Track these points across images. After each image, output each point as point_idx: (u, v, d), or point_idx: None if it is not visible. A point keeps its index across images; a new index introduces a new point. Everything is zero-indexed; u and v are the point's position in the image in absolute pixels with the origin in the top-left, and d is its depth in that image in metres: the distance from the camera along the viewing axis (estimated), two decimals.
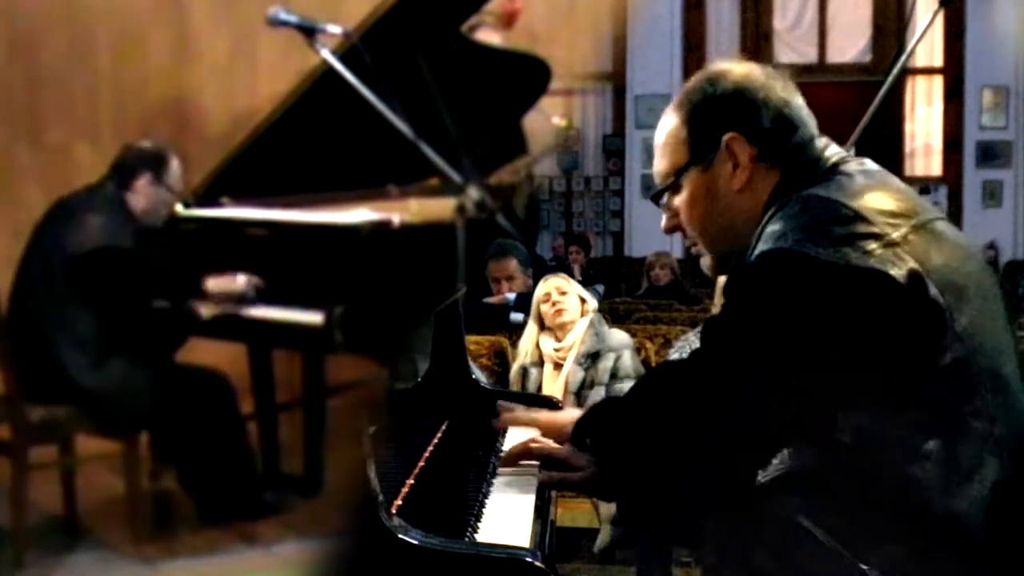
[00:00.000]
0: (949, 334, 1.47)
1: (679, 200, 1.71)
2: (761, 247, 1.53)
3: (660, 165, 1.73)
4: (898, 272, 1.45)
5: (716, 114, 1.65)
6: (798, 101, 1.67)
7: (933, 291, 1.46)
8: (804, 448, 1.50)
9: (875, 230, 1.48)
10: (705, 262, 1.74)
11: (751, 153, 1.63)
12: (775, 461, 1.52)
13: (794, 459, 1.51)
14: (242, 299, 2.94)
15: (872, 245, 1.47)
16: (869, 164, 1.65)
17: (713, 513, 1.61)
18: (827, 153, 1.65)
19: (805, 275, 1.47)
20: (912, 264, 1.46)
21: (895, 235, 1.49)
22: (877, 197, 1.54)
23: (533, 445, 2.00)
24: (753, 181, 1.64)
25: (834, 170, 1.61)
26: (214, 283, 2.96)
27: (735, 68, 1.68)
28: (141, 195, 3.08)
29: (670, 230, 1.76)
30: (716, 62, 1.72)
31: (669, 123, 1.71)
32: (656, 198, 1.75)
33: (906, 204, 1.56)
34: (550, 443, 1.96)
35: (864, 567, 1.46)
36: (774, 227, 1.54)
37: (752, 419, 1.51)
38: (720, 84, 1.66)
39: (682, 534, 1.81)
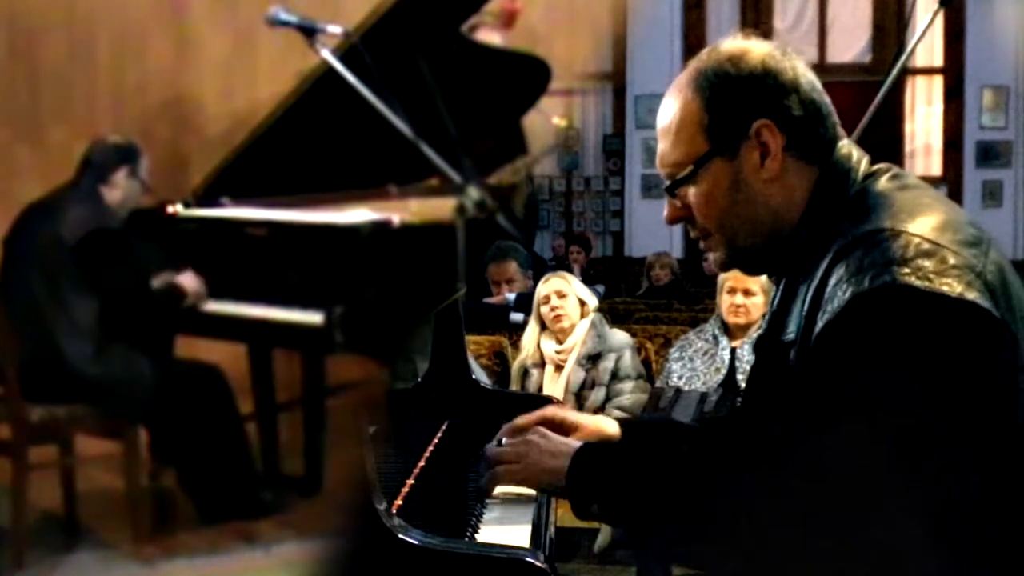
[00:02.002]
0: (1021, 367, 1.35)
1: (694, 191, 1.53)
2: (847, 290, 1.36)
3: (671, 154, 1.54)
4: (991, 306, 1.33)
5: (742, 97, 1.49)
6: (819, 85, 1.53)
7: (1009, 320, 1.35)
8: (898, 519, 1.31)
9: (963, 261, 1.36)
10: (714, 256, 1.58)
11: (782, 141, 1.49)
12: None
13: (881, 534, 1.32)
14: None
15: (969, 276, 1.34)
16: (905, 175, 1.52)
17: None
18: (855, 159, 1.52)
19: (914, 308, 1.32)
20: (997, 296, 1.35)
21: (979, 265, 1.37)
22: (944, 224, 1.41)
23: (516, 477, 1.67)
24: (785, 173, 1.50)
25: (874, 187, 1.48)
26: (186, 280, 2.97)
27: (753, 46, 1.52)
28: (119, 189, 3.08)
29: (674, 220, 1.59)
30: (724, 41, 1.55)
31: (681, 106, 1.52)
32: (671, 190, 1.56)
33: (971, 227, 1.44)
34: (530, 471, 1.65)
35: None
36: (849, 269, 1.37)
37: (852, 475, 1.31)
38: (744, 63, 1.50)
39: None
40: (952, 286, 1.32)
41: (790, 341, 1.45)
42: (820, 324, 1.38)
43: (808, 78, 1.52)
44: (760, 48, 1.52)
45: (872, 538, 1.32)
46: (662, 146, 1.56)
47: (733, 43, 1.54)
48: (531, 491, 1.93)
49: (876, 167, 1.53)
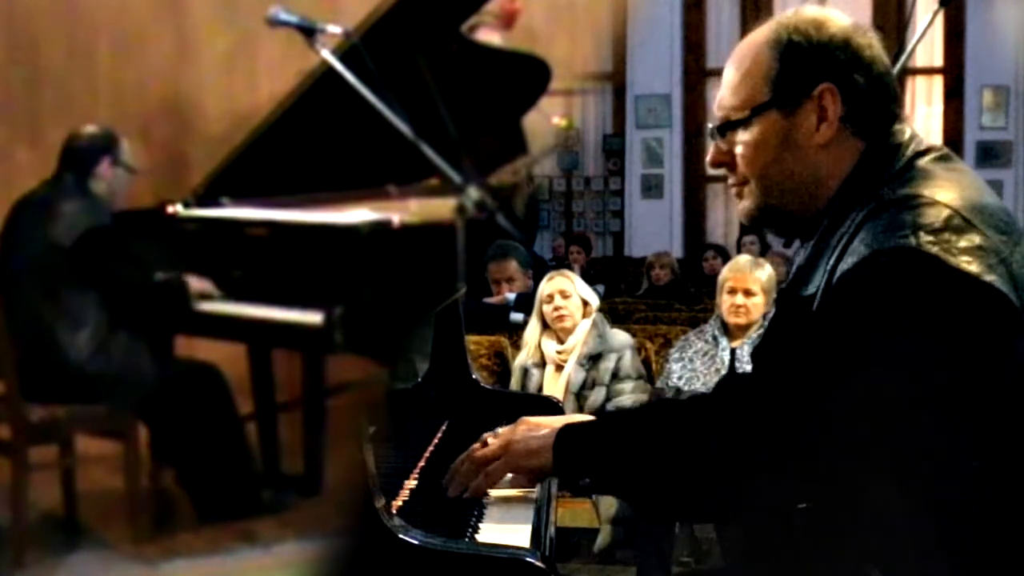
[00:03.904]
0: None
1: (745, 138, 1.55)
2: (869, 245, 1.38)
3: (732, 97, 1.56)
4: (1013, 295, 1.35)
5: (816, 59, 1.51)
6: (893, 70, 1.57)
7: None
8: (889, 481, 1.35)
9: (991, 244, 1.37)
10: (744, 206, 1.59)
11: (841, 110, 1.51)
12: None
13: (873, 494, 1.36)
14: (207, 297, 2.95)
15: (992, 259, 1.35)
16: (952, 157, 1.54)
17: (761, 550, 1.51)
18: (908, 136, 1.53)
19: (930, 277, 1.33)
20: (1020, 286, 1.36)
21: (1005, 252, 1.38)
22: (981, 206, 1.42)
23: (490, 469, 1.73)
24: (835, 142, 1.52)
25: (918, 161, 1.50)
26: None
27: (837, 18, 1.54)
28: (103, 180, 3.07)
29: (715, 163, 1.60)
30: (808, 6, 1.58)
31: (754, 53, 1.54)
32: (723, 130, 1.57)
33: (1006, 215, 1.45)
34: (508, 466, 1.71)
35: None
36: (875, 228, 1.40)
37: (844, 434, 1.35)
38: (825, 30, 1.52)
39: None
40: (972, 265, 1.34)
41: (810, 295, 1.46)
42: (838, 274, 1.41)
43: (883, 60, 1.54)
44: (843, 20, 1.55)
45: (862, 486, 1.36)
46: (724, 90, 1.58)
47: (818, 9, 1.57)
48: (530, 491, 1.94)
49: (928, 146, 1.54)
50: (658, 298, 7.12)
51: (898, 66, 3.30)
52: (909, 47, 3.55)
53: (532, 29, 3.50)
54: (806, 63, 1.52)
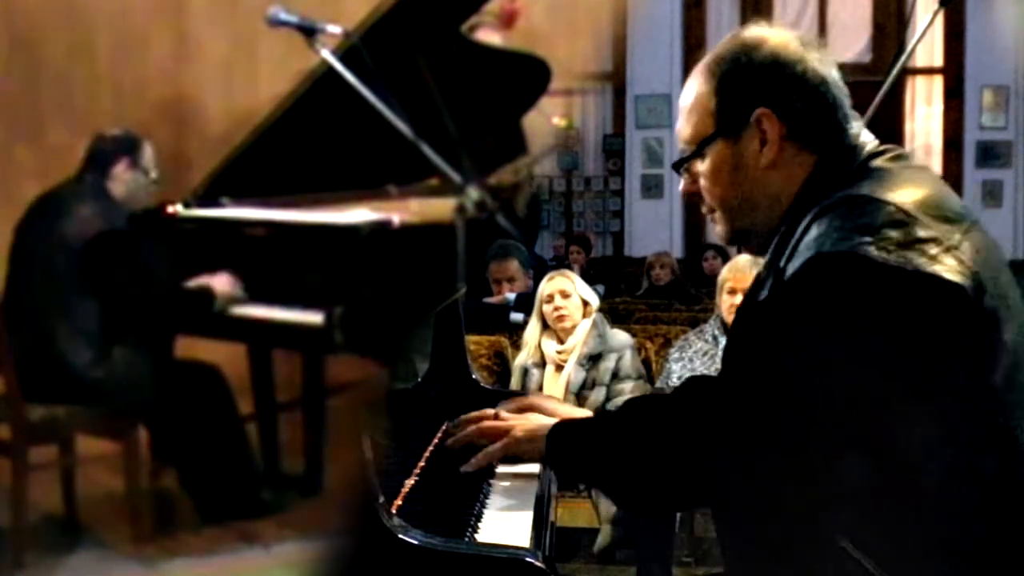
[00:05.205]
0: (999, 345, 1.40)
1: (701, 169, 1.61)
2: (813, 248, 1.42)
3: (684, 131, 1.63)
4: (960, 279, 1.37)
5: (748, 86, 1.56)
6: (834, 76, 1.58)
7: (987, 300, 1.39)
8: (852, 465, 1.39)
9: (933, 234, 1.40)
10: (719, 229, 1.65)
11: (781, 130, 1.55)
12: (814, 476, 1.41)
13: (838, 476, 1.40)
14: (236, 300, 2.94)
15: (933, 250, 1.39)
16: (906, 156, 1.57)
17: (740, 530, 1.54)
18: (861, 140, 1.56)
19: (867, 278, 1.37)
20: (972, 270, 1.39)
21: (951, 241, 1.41)
22: (926, 198, 1.46)
23: (491, 450, 1.80)
24: (783, 160, 1.55)
25: (871, 163, 1.53)
26: (218, 284, 2.95)
27: (771, 37, 1.58)
28: (120, 181, 3.07)
29: (688, 194, 1.66)
30: (751, 27, 1.62)
31: (697, 88, 1.61)
32: (677, 166, 1.65)
33: (955, 206, 1.48)
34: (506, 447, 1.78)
35: None
36: (821, 229, 1.44)
37: (798, 427, 1.40)
38: (755, 54, 1.56)
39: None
40: (912, 259, 1.37)
41: (764, 299, 1.52)
42: (788, 274, 1.46)
43: (819, 71, 1.57)
44: (777, 38, 1.58)
45: (823, 484, 1.41)
46: (679, 123, 1.64)
47: (755, 31, 1.61)
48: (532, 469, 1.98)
49: (882, 148, 1.57)
50: (658, 298, 7.11)
51: (898, 66, 3.31)
52: (909, 47, 3.55)
53: (532, 29, 3.50)
54: (739, 92, 1.56)
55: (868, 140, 1.58)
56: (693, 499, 1.70)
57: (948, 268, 1.38)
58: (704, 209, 1.65)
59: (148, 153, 3.11)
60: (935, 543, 1.40)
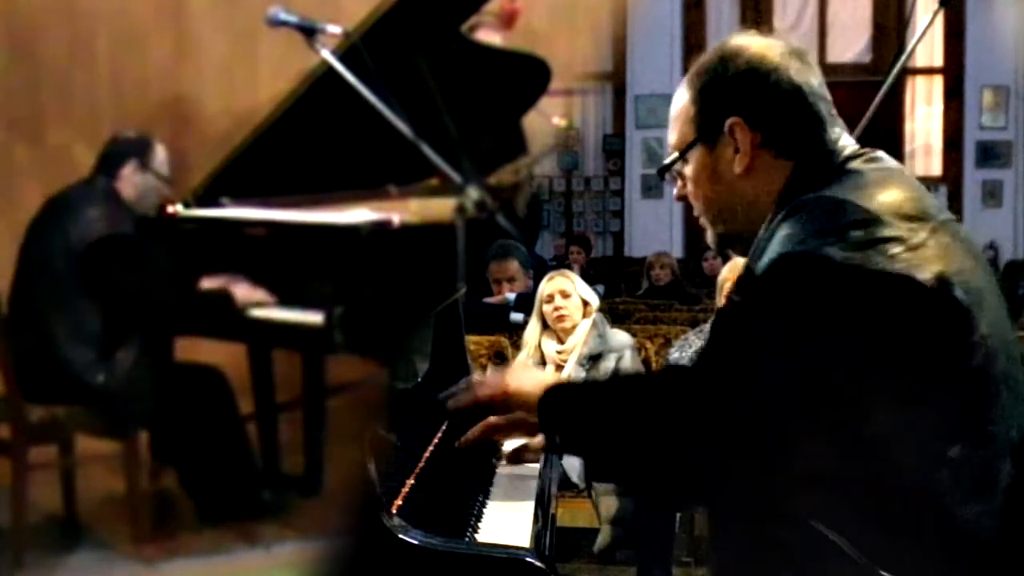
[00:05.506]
0: (972, 338, 1.43)
1: (686, 174, 1.67)
2: (776, 249, 1.48)
3: (672, 137, 1.69)
4: (924, 276, 1.41)
5: (723, 96, 1.60)
6: (813, 84, 1.61)
7: (959, 294, 1.42)
8: (821, 451, 1.44)
9: (896, 233, 1.44)
10: (708, 233, 1.71)
11: (754, 139, 1.59)
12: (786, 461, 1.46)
13: (809, 461, 1.45)
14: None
15: (895, 249, 1.42)
16: (882, 158, 1.60)
17: (722, 514, 1.59)
18: (839, 145, 1.60)
19: (828, 279, 1.41)
20: (938, 267, 1.42)
21: (915, 239, 1.44)
22: (893, 198, 1.49)
23: (492, 419, 1.81)
24: (758, 168, 1.59)
25: (846, 166, 1.56)
26: (240, 290, 2.95)
27: (752, 46, 1.62)
28: (128, 183, 3.07)
29: (681, 198, 1.71)
30: (736, 35, 1.66)
31: (682, 97, 1.66)
32: (662, 172, 1.71)
33: (922, 205, 1.51)
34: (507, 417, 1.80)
35: (883, 574, 1.42)
36: (787, 230, 1.48)
37: (766, 419, 1.44)
38: (731, 64, 1.61)
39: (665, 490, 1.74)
40: (872, 258, 1.41)
41: (732, 297, 1.57)
42: (756, 272, 1.51)
43: (795, 80, 1.59)
44: (757, 47, 1.61)
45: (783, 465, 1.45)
46: (669, 129, 1.69)
47: (737, 39, 1.64)
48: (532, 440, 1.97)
49: (859, 151, 1.60)
50: (658, 298, 7.11)
51: (898, 66, 3.30)
52: (909, 47, 3.55)
53: (532, 29, 3.50)
54: (715, 101, 1.61)
55: (847, 144, 1.61)
56: (660, 480, 1.68)
57: (910, 266, 1.41)
58: (696, 213, 1.70)
59: (160, 155, 3.11)
60: (906, 525, 1.44)
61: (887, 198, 1.49)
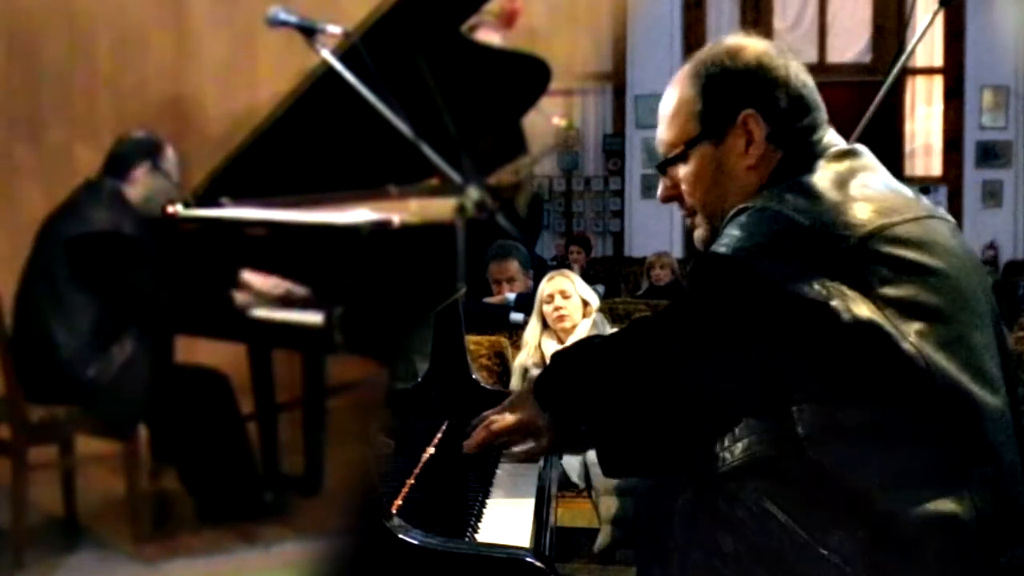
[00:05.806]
0: (900, 347, 1.46)
1: (684, 171, 1.68)
2: (718, 247, 1.54)
3: (667, 135, 1.70)
4: (839, 304, 1.45)
5: (734, 88, 1.63)
6: (812, 83, 1.65)
7: (869, 312, 1.46)
8: (764, 435, 1.52)
9: (827, 244, 1.48)
10: (699, 234, 1.72)
11: (766, 132, 1.62)
12: (740, 446, 1.54)
13: (757, 445, 1.52)
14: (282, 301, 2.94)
15: (821, 264, 1.47)
16: (862, 156, 1.64)
17: (682, 495, 1.65)
18: (826, 142, 1.63)
19: (750, 289, 1.49)
20: (858, 279, 1.47)
21: (847, 240, 1.49)
22: (826, 199, 1.54)
23: (494, 426, 1.86)
24: (763, 160, 1.62)
25: (815, 163, 1.60)
26: (261, 282, 2.95)
27: (752, 44, 1.66)
28: (140, 185, 3.07)
29: (667, 199, 1.75)
30: (728, 37, 1.69)
31: (680, 93, 1.67)
32: (662, 168, 1.72)
33: (878, 205, 1.54)
34: (506, 417, 1.85)
35: (823, 551, 1.46)
36: (732, 231, 1.54)
37: (701, 396, 1.55)
38: (740, 58, 1.64)
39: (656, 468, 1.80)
40: (777, 261, 1.48)
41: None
42: None
43: (799, 76, 1.64)
44: (757, 45, 1.66)
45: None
46: (660, 128, 1.72)
47: (734, 39, 1.68)
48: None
49: (840, 149, 1.64)
50: (658, 298, 7.10)
51: (898, 66, 3.30)
52: (909, 47, 3.55)
53: (532, 29, 3.50)
54: (726, 93, 1.63)
55: (832, 142, 1.64)
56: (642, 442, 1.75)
57: (827, 290, 1.45)
58: (683, 212, 1.72)
59: (170, 157, 3.11)
60: (838, 505, 1.48)
61: (824, 200, 1.53)
